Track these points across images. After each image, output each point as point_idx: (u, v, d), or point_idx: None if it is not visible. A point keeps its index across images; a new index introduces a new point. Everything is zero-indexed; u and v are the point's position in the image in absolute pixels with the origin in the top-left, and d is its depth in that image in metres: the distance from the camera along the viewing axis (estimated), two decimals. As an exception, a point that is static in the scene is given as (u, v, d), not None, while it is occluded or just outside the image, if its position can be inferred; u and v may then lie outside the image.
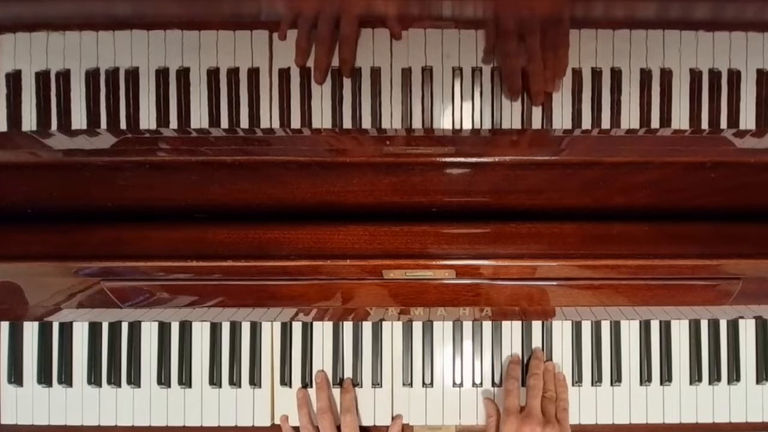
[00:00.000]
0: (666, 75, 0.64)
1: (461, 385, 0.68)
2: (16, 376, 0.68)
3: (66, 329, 0.68)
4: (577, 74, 0.64)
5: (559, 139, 0.58)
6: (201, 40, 0.64)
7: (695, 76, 0.64)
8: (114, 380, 0.68)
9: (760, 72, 0.64)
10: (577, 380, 0.68)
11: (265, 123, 0.64)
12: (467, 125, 0.65)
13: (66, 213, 0.52)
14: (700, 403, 0.68)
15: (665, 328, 0.68)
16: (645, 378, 0.68)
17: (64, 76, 0.64)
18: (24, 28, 0.64)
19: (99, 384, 0.68)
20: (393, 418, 0.68)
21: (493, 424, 0.65)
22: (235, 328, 0.68)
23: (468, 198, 0.52)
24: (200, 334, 0.68)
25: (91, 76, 0.64)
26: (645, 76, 0.64)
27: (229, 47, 0.64)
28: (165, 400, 0.68)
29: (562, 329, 0.68)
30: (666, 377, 0.68)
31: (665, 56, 0.64)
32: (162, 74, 0.64)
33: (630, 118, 0.64)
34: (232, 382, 0.68)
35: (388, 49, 0.64)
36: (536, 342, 0.68)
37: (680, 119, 0.64)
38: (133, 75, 0.64)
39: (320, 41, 0.62)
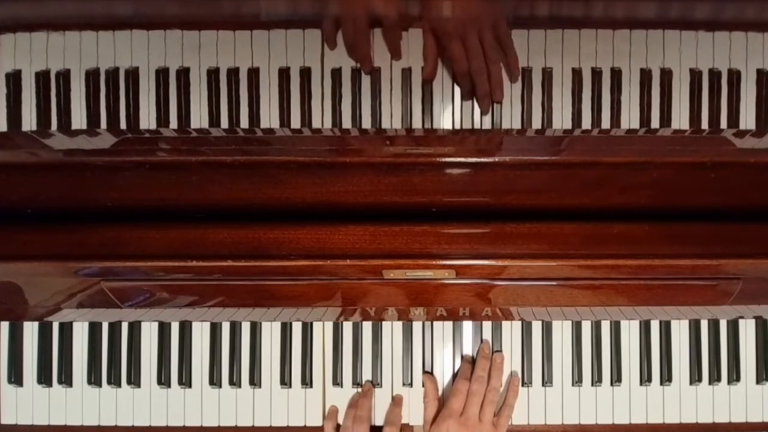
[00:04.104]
0: (666, 75, 0.64)
1: (461, 385, 0.68)
2: (16, 376, 0.68)
3: (66, 329, 0.68)
4: (577, 74, 0.64)
5: (559, 139, 0.58)
6: (201, 40, 0.64)
7: (695, 76, 0.64)
8: (114, 380, 0.68)
9: (760, 72, 0.64)
10: (577, 380, 0.68)
11: (265, 123, 0.64)
12: (467, 125, 0.65)
13: (66, 213, 0.52)
14: (700, 403, 0.68)
15: (665, 328, 0.68)
16: (645, 378, 0.68)
17: (64, 76, 0.64)
18: (24, 28, 0.64)
19: (99, 384, 0.68)
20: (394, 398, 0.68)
21: (432, 410, 0.65)
22: (235, 328, 0.68)
23: (468, 198, 0.52)
24: (200, 334, 0.68)
25: (91, 76, 0.64)
26: (645, 76, 0.64)
27: (229, 47, 0.64)
28: (165, 400, 0.68)
29: (562, 329, 0.68)
30: (666, 377, 0.68)
31: (665, 56, 0.64)
32: (162, 74, 0.64)
33: (630, 118, 0.64)
34: (232, 382, 0.68)
35: (387, 49, 0.64)
36: (536, 341, 0.68)
37: (680, 119, 0.64)
38: (133, 75, 0.64)
39: (359, 32, 0.62)
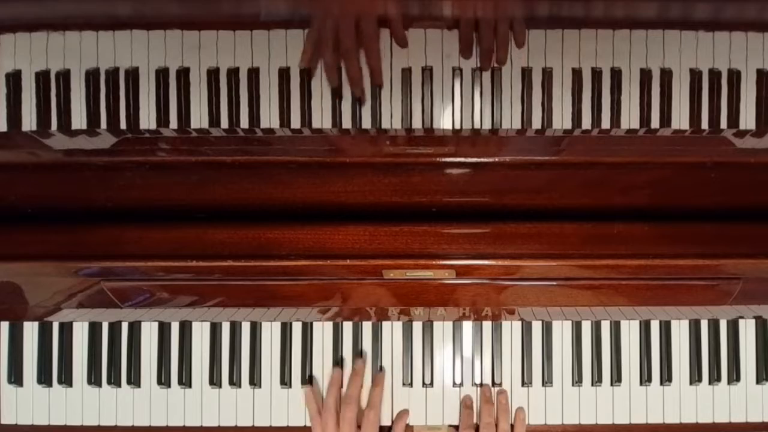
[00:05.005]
0: (666, 75, 0.64)
1: (461, 385, 0.68)
2: (16, 376, 0.68)
3: (66, 329, 0.68)
4: (577, 74, 0.64)
5: (559, 139, 0.58)
6: (201, 40, 0.64)
7: (695, 76, 0.64)
8: (114, 380, 0.68)
9: (760, 72, 0.64)
10: (577, 380, 0.68)
11: (265, 123, 0.64)
12: (467, 125, 0.65)
13: (66, 213, 0.52)
14: (700, 403, 0.68)
15: (665, 328, 0.68)
16: (645, 378, 0.68)
17: (64, 76, 0.64)
18: (24, 28, 0.64)
19: (99, 384, 0.68)
20: (398, 414, 0.67)
21: None
22: (235, 328, 0.68)
23: (468, 198, 0.52)
24: (200, 334, 0.68)
25: (91, 76, 0.64)
26: (645, 76, 0.64)
27: (229, 47, 0.64)
28: (165, 400, 0.68)
29: (562, 329, 0.68)
30: (666, 377, 0.68)
31: (665, 56, 0.64)
32: (162, 74, 0.64)
33: (630, 118, 0.64)
34: (232, 382, 0.68)
35: (388, 49, 0.64)
36: (536, 341, 0.68)
37: (680, 119, 0.64)
38: (133, 75, 0.64)
39: (347, 55, 0.60)
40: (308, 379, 0.68)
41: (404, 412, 0.67)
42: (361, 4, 0.57)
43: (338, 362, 0.68)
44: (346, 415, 0.62)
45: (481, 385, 0.68)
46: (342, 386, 0.66)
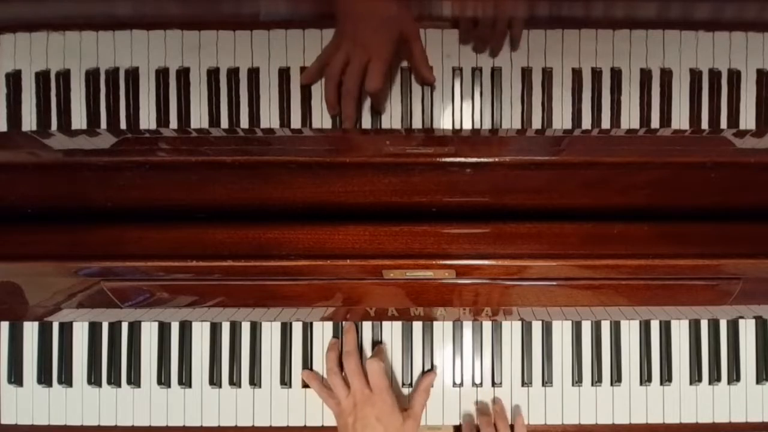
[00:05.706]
0: (666, 75, 0.64)
1: (461, 385, 0.68)
2: (16, 376, 0.68)
3: (66, 329, 0.68)
4: (577, 74, 0.64)
5: (559, 139, 0.58)
6: (201, 40, 0.64)
7: (695, 76, 0.64)
8: (114, 380, 0.68)
9: (760, 72, 0.64)
10: (577, 380, 0.68)
11: (265, 123, 0.64)
12: (467, 125, 0.65)
13: (66, 213, 0.51)
14: (700, 403, 0.68)
15: (665, 328, 0.68)
16: (645, 378, 0.68)
17: (64, 76, 0.64)
18: (24, 28, 0.64)
19: (99, 384, 0.68)
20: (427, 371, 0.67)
21: None
22: (235, 328, 0.68)
23: (468, 198, 0.52)
24: (200, 334, 0.68)
25: (91, 76, 0.64)
26: (645, 76, 0.64)
27: (229, 47, 0.64)
28: (165, 400, 0.68)
29: (562, 329, 0.68)
30: (666, 377, 0.68)
31: (665, 56, 0.64)
32: (162, 74, 0.64)
33: (630, 118, 0.64)
34: (232, 382, 0.68)
35: (388, 49, 0.64)
36: (536, 341, 0.68)
37: (680, 119, 0.64)
38: (133, 75, 0.64)
39: (346, 96, 0.61)
40: (308, 379, 0.68)
41: (431, 373, 0.67)
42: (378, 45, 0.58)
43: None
44: (350, 366, 0.63)
45: (481, 385, 0.68)
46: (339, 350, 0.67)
